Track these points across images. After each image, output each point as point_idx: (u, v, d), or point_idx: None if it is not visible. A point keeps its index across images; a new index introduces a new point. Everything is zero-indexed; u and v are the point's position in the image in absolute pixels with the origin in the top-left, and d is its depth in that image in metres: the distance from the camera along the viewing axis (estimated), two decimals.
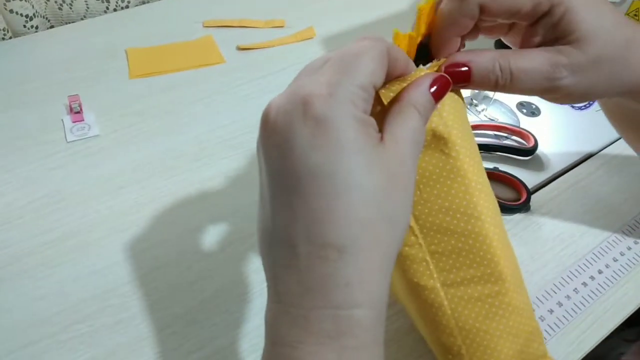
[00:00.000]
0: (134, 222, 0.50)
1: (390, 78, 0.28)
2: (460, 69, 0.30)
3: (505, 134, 0.58)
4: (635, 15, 0.70)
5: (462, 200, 0.30)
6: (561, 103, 0.35)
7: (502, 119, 0.60)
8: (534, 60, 0.31)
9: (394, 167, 0.25)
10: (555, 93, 0.32)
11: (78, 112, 0.59)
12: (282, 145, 0.24)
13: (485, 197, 0.31)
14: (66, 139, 0.57)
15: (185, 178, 0.54)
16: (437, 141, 0.30)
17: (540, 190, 0.53)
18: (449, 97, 0.30)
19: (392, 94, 0.28)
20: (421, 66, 0.30)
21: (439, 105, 0.29)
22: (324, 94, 0.24)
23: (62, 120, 0.60)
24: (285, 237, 0.24)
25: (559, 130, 0.59)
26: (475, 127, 0.58)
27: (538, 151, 0.55)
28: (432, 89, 0.28)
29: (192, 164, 0.55)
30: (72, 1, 0.74)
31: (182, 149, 0.57)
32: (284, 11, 0.79)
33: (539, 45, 0.32)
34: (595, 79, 0.32)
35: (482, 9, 0.30)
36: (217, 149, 0.57)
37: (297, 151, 0.24)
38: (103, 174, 0.54)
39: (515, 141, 0.57)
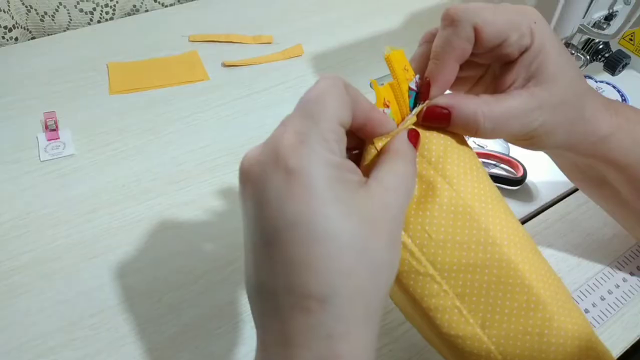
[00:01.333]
0: (105, 249, 0.48)
1: (358, 121, 0.27)
2: (441, 111, 0.30)
3: (494, 162, 0.56)
4: (631, 39, 0.69)
5: (471, 229, 0.29)
6: (522, 147, 0.35)
7: (491, 145, 0.58)
8: (513, 107, 0.31)
9: (375, 212, 0.25)
10: (525, 136, 0.33)
11: (54, 130, 0.57)
12: (256, 195, 0.24)
13: (496, 220, 0.30)
14: (40, 158, 0.55)
15: (161, 202, 0.52)
16: (427, 180, 0.29)
17: (529, 222, 0.51)
18: (434, 133, 0.30)
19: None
20: (411, 115, 0.31)
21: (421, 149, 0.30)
22: (294, 142, 0.24)
23: (37, 137, 0.58)
24: (268, 287, 0.24)
25: (549, 158, 0.58)
26: None
27: (527, 180, 0.53)
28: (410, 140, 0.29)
29: (169, 187, 0.53)
30: (54, 12, 0.72)
31: (159, 171, 0.55)
32: (273, 27, 0.77)
33: (511, 86, 0.32)
34: (558, 121, 0.32)
35: (476, 33, 0.30)
36: (196, 172, 0.55)
37: (272, 202, 0.24)
38: (76, 196, 0.52)
39: (504, 169, 0.55)
